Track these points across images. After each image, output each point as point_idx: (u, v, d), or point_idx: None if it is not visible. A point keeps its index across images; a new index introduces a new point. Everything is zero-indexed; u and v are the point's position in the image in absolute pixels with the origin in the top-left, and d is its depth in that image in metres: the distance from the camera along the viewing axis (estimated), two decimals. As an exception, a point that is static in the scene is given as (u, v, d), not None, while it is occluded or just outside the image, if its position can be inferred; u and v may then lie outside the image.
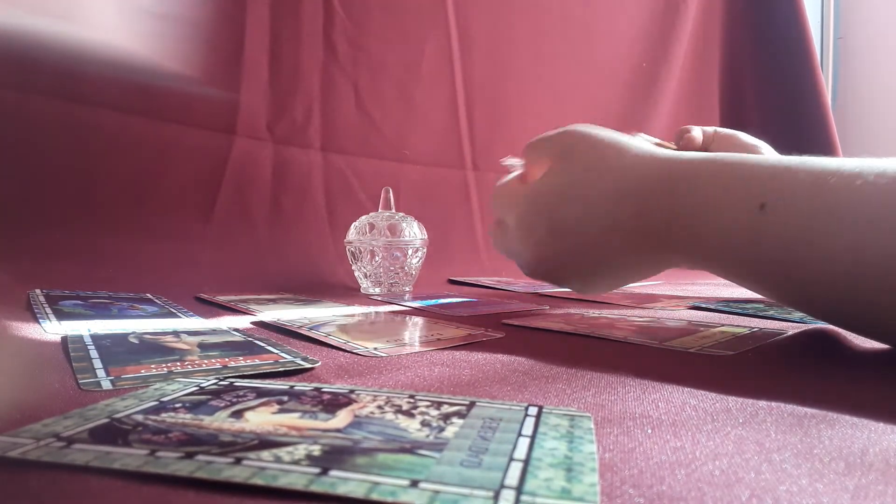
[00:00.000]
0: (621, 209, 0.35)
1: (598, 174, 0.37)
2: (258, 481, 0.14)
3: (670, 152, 0.37)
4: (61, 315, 0.38)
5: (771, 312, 0.46)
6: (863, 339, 0.33)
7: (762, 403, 0.21)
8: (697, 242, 0.33)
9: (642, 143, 0.39)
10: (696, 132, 0.51)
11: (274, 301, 0.51)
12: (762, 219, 0.29)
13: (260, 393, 0.21)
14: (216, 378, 0.24)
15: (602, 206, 0.36)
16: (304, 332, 0.36)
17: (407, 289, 0.64)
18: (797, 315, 0.44)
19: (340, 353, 0.31)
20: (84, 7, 0.62)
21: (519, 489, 0.14)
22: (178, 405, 0.20)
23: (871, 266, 0.27)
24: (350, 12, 0.81)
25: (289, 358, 0.28)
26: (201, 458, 0.15)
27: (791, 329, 0.39)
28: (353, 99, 0.83)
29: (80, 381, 0.23)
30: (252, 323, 0.40)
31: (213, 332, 0.35)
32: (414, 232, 0.63)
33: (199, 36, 0.70)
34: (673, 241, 0.34)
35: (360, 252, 0.62)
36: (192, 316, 0.42)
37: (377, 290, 0.63)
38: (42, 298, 0.44)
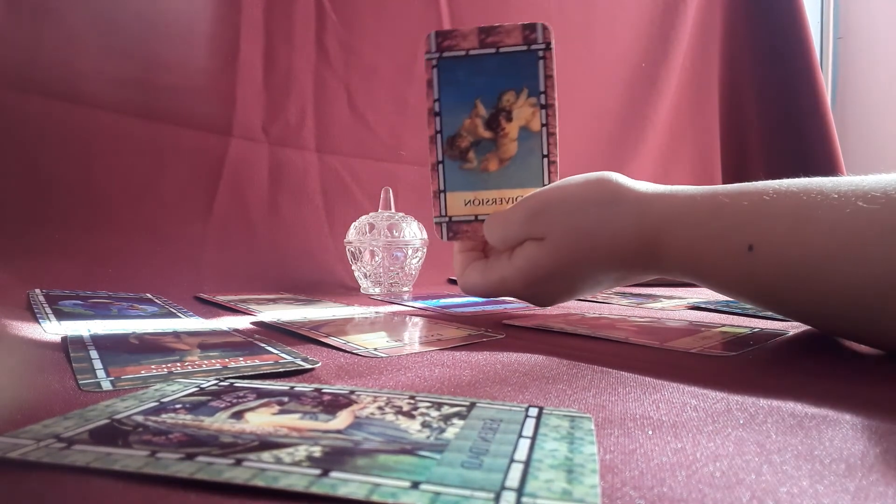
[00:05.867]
0: (619, 250, 0.37)
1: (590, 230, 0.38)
2: (259, 482, 0.14)
3: (652, 197, 0.36)
4: (61, 315, 0.38)
5: (771, 313, 0.46)
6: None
7: (763, 404, 0.21)
8: (692, 274, 0.36)
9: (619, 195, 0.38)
10: None
11: (274, 301, 0.51)
12: (752, 258, 0.31)
13: (260, 394, 0.21)
14: (216, 379, 0.24)
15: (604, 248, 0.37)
16: (304, 332, 0.36)
17: (407, 289, 0.64)
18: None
19: (340, 353, 0.31)
20: (84, 8, 0.62)
21: (520, 490, 0.14)
22: (178, 406, 0.20)
23: (867, 287, 0.27)
24: (341, 15, 0.81)
25: (289, 359, 0.28)
26: (202, 459, 0.15)
27: (791, 329, 0.39)
28: (346, 101, 0.83)
29: (80, 382, 0.23)
30: (252, 323, 0.40)
31: (213, 332, 0.35)
32: (414, 232, 0.63)
33: (195, 38, 0.70)
34: (668, 270, 0.37)
35: (360, 252, 0.62)
36: (192, 316, 0.42)
37: (377, 290, 0.63)
38: (42, 298, 0.44)
